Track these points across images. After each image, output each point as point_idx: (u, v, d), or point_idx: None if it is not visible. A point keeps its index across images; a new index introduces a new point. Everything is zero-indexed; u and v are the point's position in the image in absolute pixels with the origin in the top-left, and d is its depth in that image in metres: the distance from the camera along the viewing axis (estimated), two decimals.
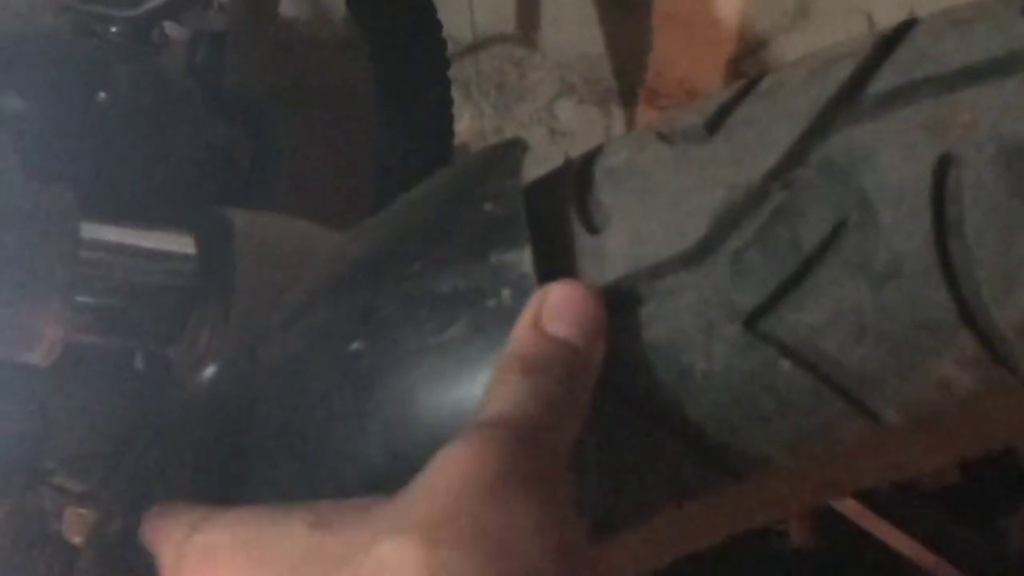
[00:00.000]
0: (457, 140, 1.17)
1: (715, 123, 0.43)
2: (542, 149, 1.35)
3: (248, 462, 0.48)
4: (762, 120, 0.42)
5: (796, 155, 0.41)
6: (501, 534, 0.36)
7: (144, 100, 0.73)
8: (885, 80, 0.41)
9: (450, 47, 1.11)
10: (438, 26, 1.05)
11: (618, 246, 0.43)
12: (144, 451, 0.60)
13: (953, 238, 0.39)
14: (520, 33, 1.35)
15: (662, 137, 0.44)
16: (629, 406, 0.42)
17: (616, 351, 0.42)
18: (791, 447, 0.42)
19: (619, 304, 0.42)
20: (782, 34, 1.11)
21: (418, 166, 1.08)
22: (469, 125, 1.40)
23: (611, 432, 0.42)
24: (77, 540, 0.75)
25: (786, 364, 0.40)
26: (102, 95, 0.72)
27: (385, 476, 0.44)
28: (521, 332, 0.41)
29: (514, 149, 0.46)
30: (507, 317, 0.42)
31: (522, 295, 0.42)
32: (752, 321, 0.41)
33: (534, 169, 0.47)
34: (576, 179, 0.45)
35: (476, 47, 1.38)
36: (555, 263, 0.43)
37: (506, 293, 0.42)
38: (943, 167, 0.39)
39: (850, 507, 0.61)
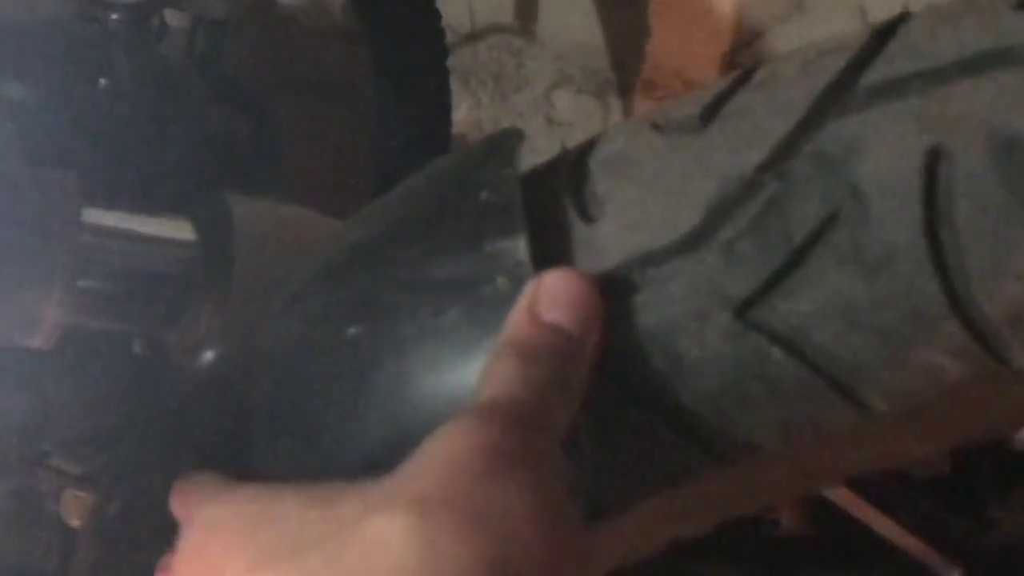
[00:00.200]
0: (455, 129, 1.17)
1: (709, 114, 0.44)
2: (539, 139, 1.36)
3: (246, 446, 0.49)
4: (756, 111, 0.43)
5: (789, 146, 0.42)
6: (492, 512, 0.37)
7: (145, 87, 0.74)
8: (878, 73, 0.42)
9: (449, 37, 1.11)
10: (437, 16, 1.05)
11: (613, 235, 0.43)
12: (142, 435, 0.61)
13: (944, 229, 0.40)
14: (518, 23, 1.35)
15: (656, 127, 0.45)
16: (622, 392, 0.43)
17: (610, 338, 0.43)
18: (781, 434, 0.42)
19: (613, 292, 0.43)
20: (778, 26, 1.11)
21: (416, 155, 1.08)
22: (467, 115, 1.41)
23: (604, 417, 0.43)
24: (76, 522, 0.76)
25: (777, 352, 0.41)
26: (103, 81, 0.73)
27: (382, 460, 0.45)
28: (516, 318, 0.41)
29: (511, 139, 0.46)
30: (503, 304, 0.43)
31: (518, 283, 0.42)
32: (744, 310, 0.41)
33: (531, 159, 0.48)
34: (571, 169, 0.45)
35: (474, 37, 1.39)
36: (550, 251, 0.43)
37: (502, 280, 0.43)
38: (934, 159, 0.40)
39: (841, 495, 0.62)
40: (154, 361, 0.70)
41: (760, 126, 0.43)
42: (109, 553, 0.71)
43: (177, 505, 0.46)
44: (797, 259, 0.41)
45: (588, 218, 0.44)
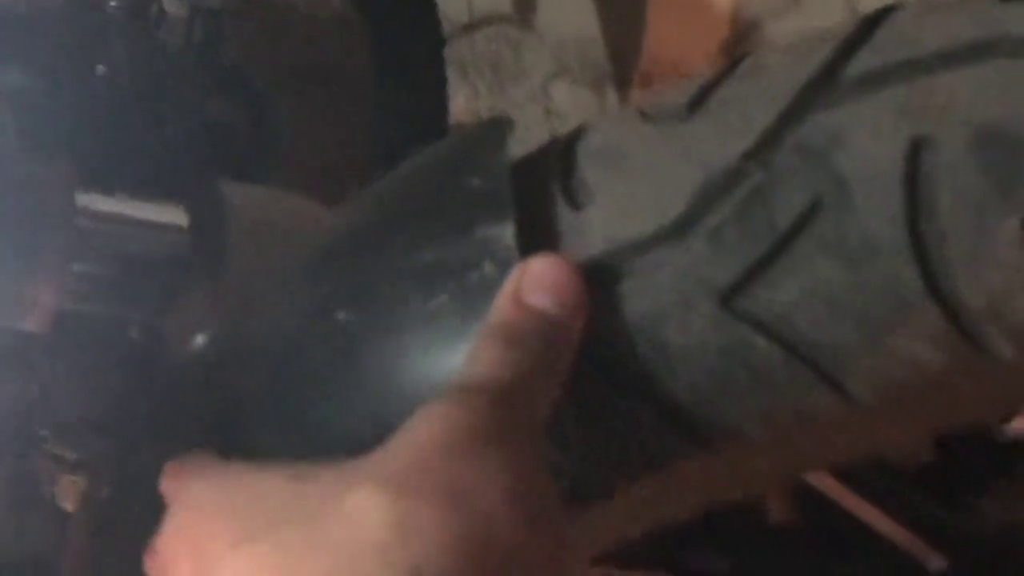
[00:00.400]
0: (452, 120, 1.18)
1: (696, 103, 0.44)
2: (536, 130, 1.36)
3: (236, 429, 0.49)
4: (742, 101, 0.43)
5: (774, 136, 0.42)
6: (469, 490, 0.37)
7: (143, 75, 0.74)
8: (863, 63, 0.42)
9: (446, 27, 1.11)
10: (434, 6, 1.06)
11: (599, 222, 0.44)
12: (133, 419, 0.61)
13: (925, 219, 0.40)
14: (516, 14, 1.35)
15: (644, 116, 0.45)
16: (607, 379, 0.43)
17: (596, 325, 0.43)
18: (764, 421, 0.43)
19: (599, 279, 0.43)
20: (775, 19, 1.11)
21: (413, 145, 1.08)
22: (464, 105, 1.41)
23: (589, 403, 0.43)
24: (71, 507, 0.76)
25: (760, 340, 0.42)
26: (101, 68, 0.73)
27: (371, 445, 0.45)
28: (501, 303, 0.42)
29: (501, 126, 0.47)
30: (490, 289, 0.43)
31: (505, 268, 0.43)
32: (728, 297, 0.42)
33: (527, 149, 0.48)
34: (560, 157, 0.46)
35: (472, 27, 1.39)
36: (538, 238, 0.44)
37: (489, 266, 0.43)
38: (917, 149, 0.40)
39: (829, 485, 0.62)
40: (150, 347, 0.71)
41: (746, 116, 0.43)
42: (102, 537, 0.71)
43: (168, 486, 0.46)
44: (780, 247, 0.41)
45: (576, 205, 0.44)
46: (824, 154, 0.41)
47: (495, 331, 0.41)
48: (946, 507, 0.67)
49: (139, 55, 0.74)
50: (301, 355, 0.46)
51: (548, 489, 0.39)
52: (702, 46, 1.19)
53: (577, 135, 0.46)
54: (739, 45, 1.12)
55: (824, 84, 0.42)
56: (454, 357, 0.43)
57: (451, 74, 1.18)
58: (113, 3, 0.73)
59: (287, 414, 0.47)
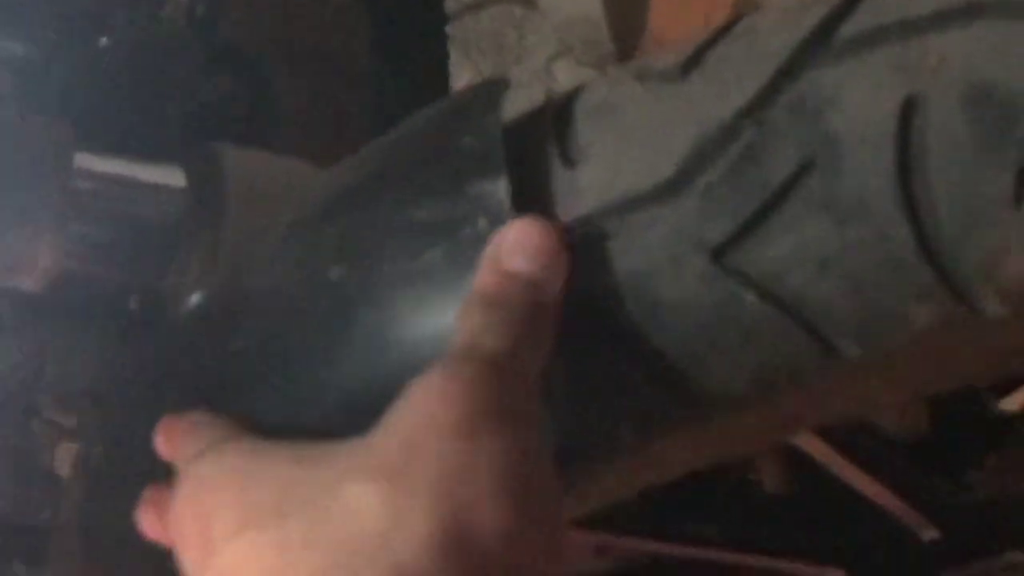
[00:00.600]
0: None
1: (691, 63, 0.44)
2: None
3: (230, 387, 0.49)
4: (736, 61, 0.43)
5: (767, 95, 0.42)
6: (459, 477, 0.37)
7: (144, 49, 0.74)
8: (857, 23, 0.42)
9: (450, 6, 1.11)
10: None
11: (593, 180, 0.44)
12: (130, 385, 0.62)
13: (916, 178, 0.40)
14: None
15: (640, 77, 0.45)
16: (597, 337, 0.43)
17: (586, 282, 0.43)
18: (755, 378, 0.43)
19: (592, 236, 0.43)
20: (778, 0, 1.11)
21: None
22: (467, 84, 1.41)
23: (579, 362, 0.44)
24: (67, 473, 0.76)
25: (751, 297, 0.42)
26: (103, 41, 0.73)
27: (363, 399, 0.45)
28: (482, 270, 0.42)
29: (496, 86, 0.47)
30: (483, 245, 0.43)
31: (498, 224, 0.43)
32: (719, 254, 0.42)
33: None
34: (555, 116, 0.46)
35: (475, 7, 1.39)
36: (532, 195, 0.44)
37: (482, 222, 0.43)
38: (909, 108, 0.40)
39: (823, 453, 0.62)
40: (148, 312, 0.71)
41: (739, 75, 0.43)
42: (96, 502, 0.72)
43: (162, 442, 0.46)
44: (772, 205, 0.41)
45: (570, 163, 0.44)
46: (817, 113, 0.41)
47: (477, 298, 0.41)
48: (940, 478, 0.67)
49: (141, 30, 0.74)
50: (293, 312, 0.47)
51: (544, 468, 0.39)
52: (705, 27, 1.19)
53: (573, 95, 0.46)
54: None
55: (818, 44, 0.42)
56: (447, 313, 0.43)
57: (453, 53, 1.17)
58: None
59: (278, 372, 0.47)
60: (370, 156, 0.49)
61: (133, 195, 0.59)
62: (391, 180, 0.46)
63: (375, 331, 0.45)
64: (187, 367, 0.53)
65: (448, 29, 1.16)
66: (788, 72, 0.42)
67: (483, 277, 0.42)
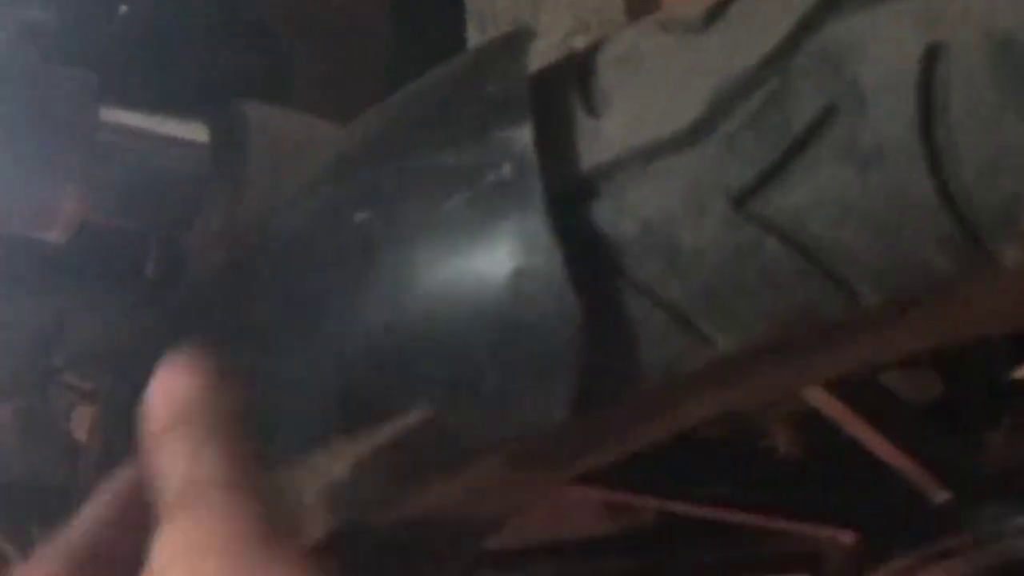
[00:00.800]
0: None
1: (715, 14, 0.45)
2: None
3: (253, 335, 0.50)
4: (760, 11, 0.44)
5: (791, 43, 0.42)
6: None
7: (163, 17, 0.75)
8: None
9: None
10: None
11: (616, 128, 0.44)
12: (144, 343, 0.62)
13: (938, 125, 0.41)
14: None
15: (663, 27, 0.46)
16: (619, 283, 0.44)
17: (609, 229, 0.44)
18: (773, 323, 0.43)
19: (614, 183, 0.44)
20: None
21: None
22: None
23: (601, 308, 0.44)
24: (85, 437, 0.77)
25: (772, 243, 0.42)
26: (123, 8, 0.74)
27: (385, 345, 0.46)
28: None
29: (521, 35, 0.48)
30: (507, 191, 0.44)
31: (522, 169, 0.44)
32: (741, 200, 0.42)
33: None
34: (579, 66, 0.46)
35: None
36: (555, 142, 0.44)
37: (507, 167, 0.44)
38: (932, 56, 0.41)
39: (837, 413, 0.63)
40: (167, 279, 0.72)
41: (763, 25, 0.43)
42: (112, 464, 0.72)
43: None
44: (794, 151, 0.42)
45: (593, 112, 0.45)
46: (840, 60, 0.41)
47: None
48: (953, 440, 0.68)
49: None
50: (318, 257, 0.47)
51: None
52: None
53: (597, 46, 0.47)
54: None
55: None
56: (470, 258, 0.44)
57: (470, 29, 1.18)
58: None
59: (301, 318, 0.47)
60: (396, 104, 0.49)
61: (157, 149, 0.60)
62: (417, 126, 0.47)
63: (398, 275, 0.45)
64: (208, 318, 0.53)
65: (466, 4, 1.16)
66: (812, 21, 0.42)
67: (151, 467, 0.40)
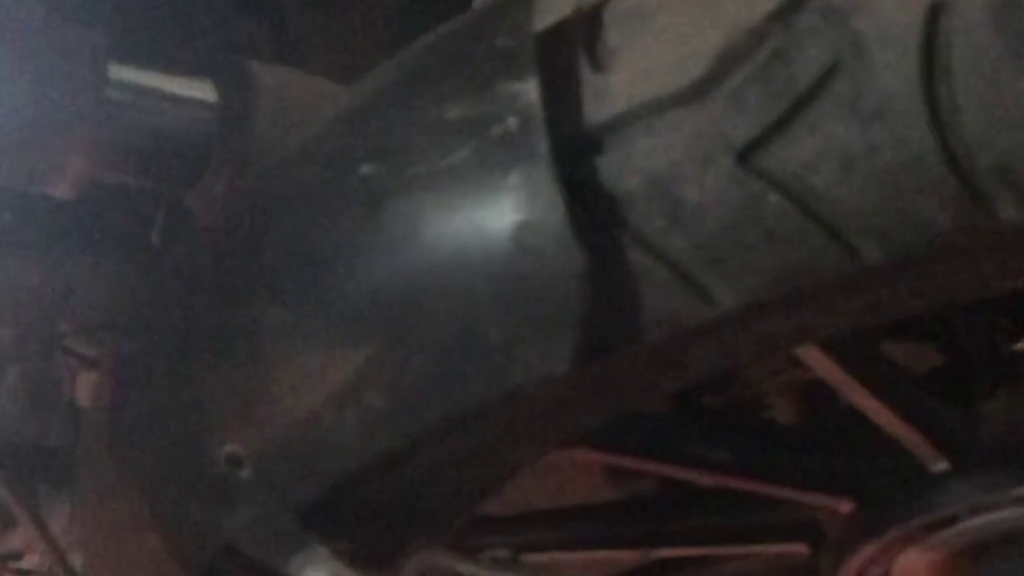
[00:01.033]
0: None
1: None
2: None
3: (259, 287, 0.50)
4: None
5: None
6: None
7: None
8: None
9: None
10: None
11: (621, 82, 0.45)
12: (149, 309, 0.62)
13: (941, 82, 0.41)
14: None
15: None
16: (624, 235, 0.44)
17: (614, 183, 0.44)
18: (775, 279, 0.44)
19: (620, 138, 0.44)
20: None
21: None
22: None
23: (606, 260, 0.44)
24: (87, 403, 0.78)
25: (775, 198, 0.43)
26: None
27: (390, 295, 0.47)
28: None
29: None
30: (512, 144, 0.44)
31: (527, 123, 0.44)
32: (745, 155, 0.43)
33: None
34: (586, 22, 0.47)
35: None
36: (561, 96, 0.45)
37: (512, 121, 0.44)
38: (936, 13, 0.41)
39: (837, 380, 0.63)
40: (173, 244, 0.72)
41: None
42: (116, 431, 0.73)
43: None
44: (798, 106, 0.42)
45: (599, 67, 0.45)
46: (845, 16, 0.42)
47: None
48: (952, 409, 0.68)
49: None
50: (321, 208, 0.48)
51: None
52: None
53: (604, 2, 0.47)
54: None
55: None
56: (476, 210, 0.45)
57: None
58: None
59: (306, 269, 0.48)
60: (404, 60, 0.50)
61: (165, 108, 0.60)
62: (424, 80, 0.47)
63: (403, 227, 0.46)
64: (214, 273, 0.54)
65: None
66: None
67: None
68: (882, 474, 0.68)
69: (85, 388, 0.79)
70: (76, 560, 0.85)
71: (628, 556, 0.77)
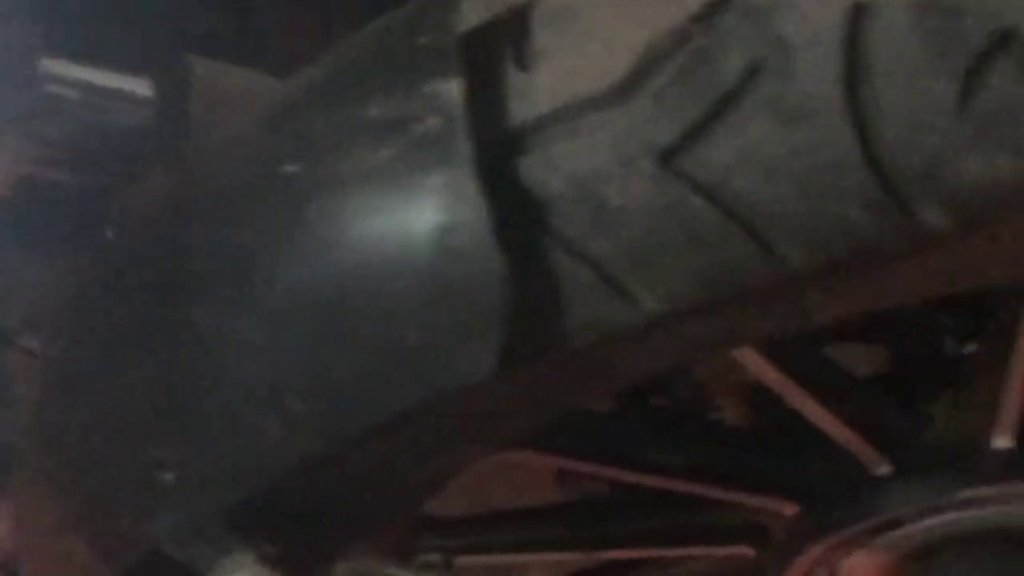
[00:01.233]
0: None
1: None
2: None
3: (182, 287, 0.50)
4: None
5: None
6: None
7: None
8: None
9: None
10: None
11: (547, 83, 0.44)
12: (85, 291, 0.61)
13: (863, 83, 0.40)
14: None
15: None
16: (546, 238, 0.44)
17: (537, 185, 0.43)
18: (699, 282, 0.43)
19: (544, 139, 0.44)
20: None
21: None
22: None
23: (530, 263, 0.44)
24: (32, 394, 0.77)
25: (698, 200, 0.42)
26: None
27: (314, 296, 0.46)
28: None
29: None
30: (434, 144, 0.43)
31: (450, 123, 0.43)
32: (668, 157, 0.42)
33: None
34: (513, 21, 0.46)
35: None
36: (486, 96, 0.44)
37: (433, 120, 0.43)
38: (858, 13, 0.40)
39: (780, 385, 0.63)
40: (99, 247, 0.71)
41: None
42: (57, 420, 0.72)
43: None
44: (721, 108, 0.41)
45: (525, 67, 0.45)
46: (768, 16, 0.41)
47: None
48: (896, 413, 0.68)
49: None
50: (245, 208, 0.47)
51: None
52: None
53: (531, 1, 0.47)
54: None
55: None
56: (396, 212, 0.44)
57: None
58: None
59: (231, 269, 0.47)
60: (331, 58, 0.49)
61: (101, 102, 0.60)
62: (349, 78, 0.46)
63: (326, 227, 0.45)
64: (139, 272, 0.53)
65: None
66: None
67: None
68: (826, 477, 0.68)
69: (30, 383, 0.78)
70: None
71: (574, 558, 0.76)
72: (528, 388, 0.48)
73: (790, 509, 0.69)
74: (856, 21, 0.40)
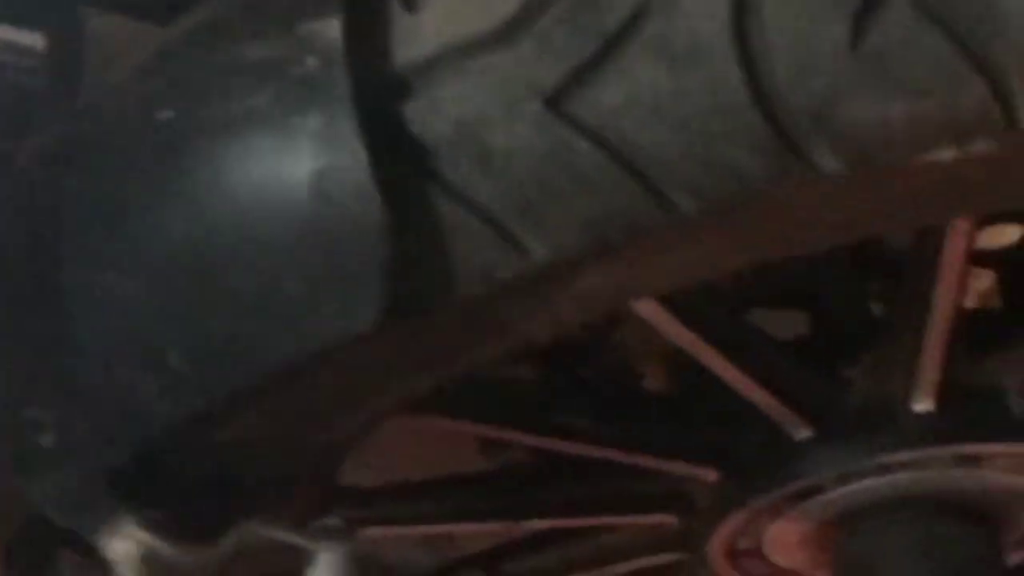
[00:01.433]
0: None
1: None
2: None
3: (62, 241, 0.48)
4: None
5: None
6: None
7: None
8: None
9: None
10: None
11: (433, 24, 0.42)
12: None
13: (751, 23, 0.39)
14: None
15: None
16: (432, 184, 0.42)
17: (421, 129, 0.42)
18: (589, 230, 0.42)
19: (428, 81, 0.42)
20: None
21: None
22: None
23: (411, 211, 0.42)
24: None
25: (584, 144, 0.40)
26: None
27: (190, 247, 0.44)
28: None
29: None
30: (312, 86, 0.42)
31: (328, 64, 0.41)
32: (553, 100, 0.40)
33: None
34: None
35: None
36: (367, 37, 0.42)
37: (311, 61, 0.41)
38: None
39: (701, 352, 0.61)
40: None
41: None
42: None
43: None
44: (607, 50, 0.40)
45: (410, 7, 0.43)
46: None
47: None
48: (816, 377, 0.66)
49: None
50: (124, 156, 0.45)
51: None
52: None
53: None
54: None
55: None
56: (272, 157, 0.42)
57: None
58: None
59: (107, 217, 0.45)
60: (210, 5, 0.47)
61: None
62: (228, 21, 0.44)
63: (201, 173, 0.43)
64: (16, 225, 0.51)
65: None
66: None
67: None
68: (747, 443, 0.67)
69: None
70: None
71: (497, 528, 0.75)
72: (420, 345, 0.47)
73: (712, 476, 0.68)
74: None
